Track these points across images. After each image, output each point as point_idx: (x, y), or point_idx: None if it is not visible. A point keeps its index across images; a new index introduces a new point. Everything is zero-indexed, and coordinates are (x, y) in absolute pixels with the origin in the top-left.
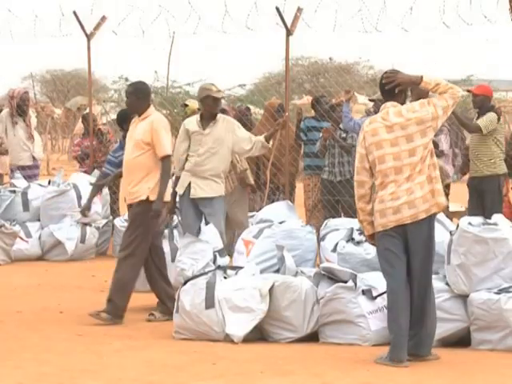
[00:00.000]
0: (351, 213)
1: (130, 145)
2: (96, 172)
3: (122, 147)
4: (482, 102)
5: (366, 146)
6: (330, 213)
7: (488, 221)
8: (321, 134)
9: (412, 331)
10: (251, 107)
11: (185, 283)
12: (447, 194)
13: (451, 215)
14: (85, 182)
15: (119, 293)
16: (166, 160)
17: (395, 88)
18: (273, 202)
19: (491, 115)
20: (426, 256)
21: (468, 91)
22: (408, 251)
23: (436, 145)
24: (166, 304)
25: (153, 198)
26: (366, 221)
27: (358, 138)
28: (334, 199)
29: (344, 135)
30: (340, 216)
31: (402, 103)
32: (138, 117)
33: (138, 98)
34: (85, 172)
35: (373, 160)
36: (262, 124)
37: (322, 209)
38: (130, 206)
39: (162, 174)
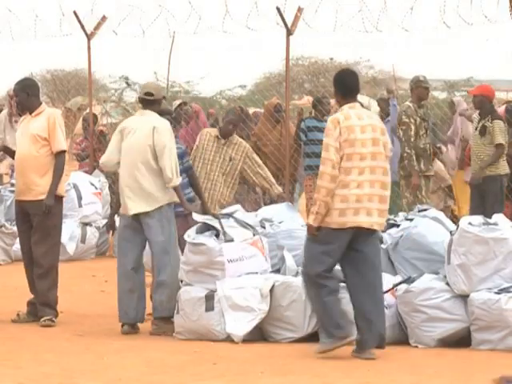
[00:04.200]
0: None
1: (25, 141)
2: (97, 172)
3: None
4: (481, 102)
5: (341, 141)
6: None
7: (488, 220)
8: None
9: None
10: (252, 108)
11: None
12: (449, 195)
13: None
14: (85, 182)
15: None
16: (60, 155)
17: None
18: (272, 202)
19: (498, 124)
20: (373, 263)
21: (468, 92)
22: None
23: (438, 151)
24: (36, 306)
25: (59, 193)
26: (323, 214)
27: (331, 132)
28: None
29: None
30: None
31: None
32: (29, 114)
33: (29, 94)
34: (86, 172)
35: (342, 156)
36: (263, 123)
37: None
38: (21, 202)
39: (56, 168)
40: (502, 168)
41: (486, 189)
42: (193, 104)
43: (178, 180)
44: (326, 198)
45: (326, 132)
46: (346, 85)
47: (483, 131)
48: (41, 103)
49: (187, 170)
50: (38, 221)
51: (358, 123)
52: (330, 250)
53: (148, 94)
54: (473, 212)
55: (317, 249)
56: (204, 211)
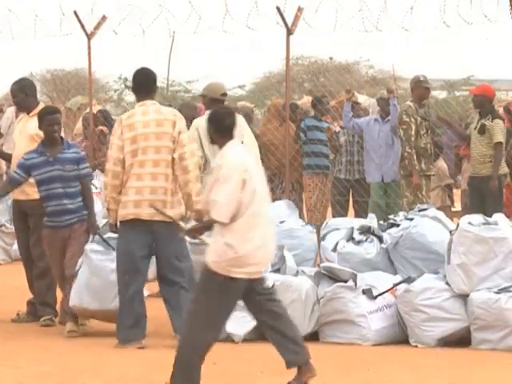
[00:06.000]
0: (361, 212)
1: (23, 141)
2: (97, 172)
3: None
4: (481, 102)
5: (123, 138)
6: (349, 213)
7: (488, 220)
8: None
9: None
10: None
11: None
12: (449, 196)
13: (451, 215)
14: None
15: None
16: None
17: None
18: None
19: (497, 123)
20: (171, 255)
21: (469, 91)
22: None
23: (441, 147)
24: (36, 306)
25: None
26: (115, 210)
27: (115, 131)
28: (344, 199)
29: None
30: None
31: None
32: (26, 114)
33: (27, 94)
34: None
35: (127, 152)
36: (264, 124)
37: (322, 208)
38: (19, 202)
39: None
40: (500, 168)
41: (484, 189)
42: (198, 104)
43: None
44: (111, 193)
45: (112, 131)
46: (135, 83)
47: (482, 130)
48: (38, 103)
49: (82, 178)
50: (36, 221)
51: (140, 119)
52: (128, 243)
53: (224, 94)
54: (473, 212)
55: (121, 245)
56: (89, 225)
